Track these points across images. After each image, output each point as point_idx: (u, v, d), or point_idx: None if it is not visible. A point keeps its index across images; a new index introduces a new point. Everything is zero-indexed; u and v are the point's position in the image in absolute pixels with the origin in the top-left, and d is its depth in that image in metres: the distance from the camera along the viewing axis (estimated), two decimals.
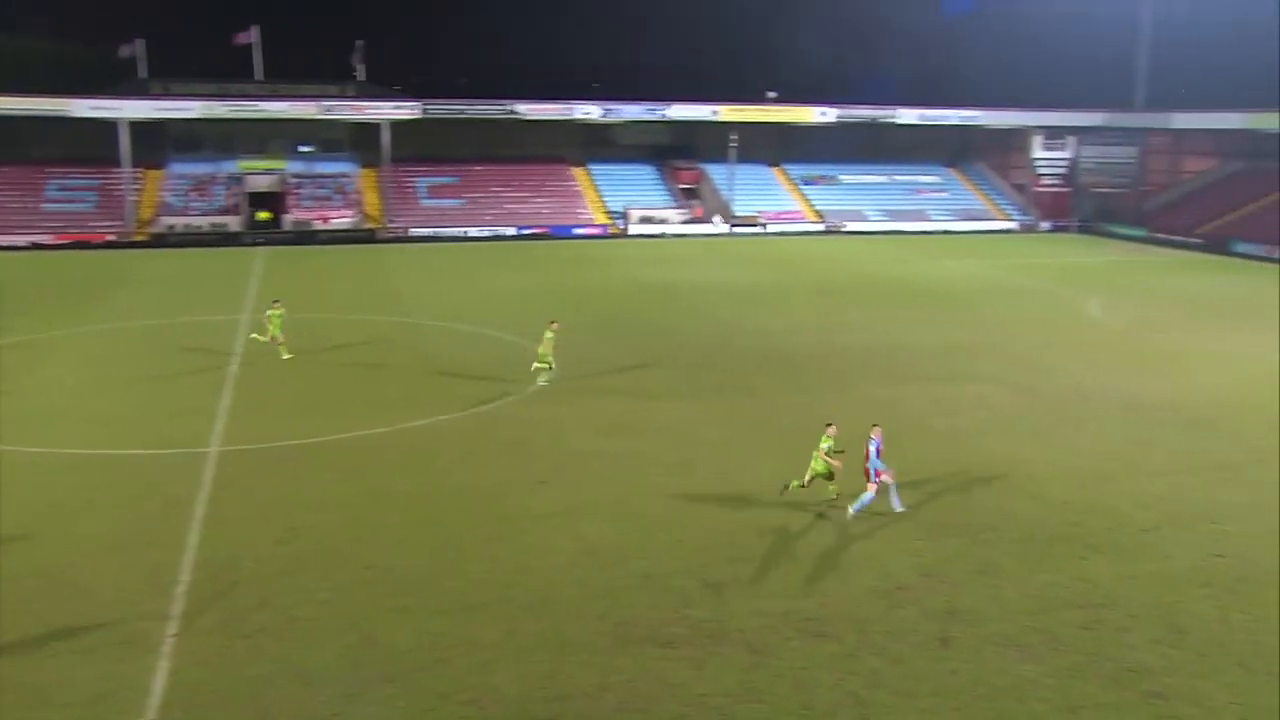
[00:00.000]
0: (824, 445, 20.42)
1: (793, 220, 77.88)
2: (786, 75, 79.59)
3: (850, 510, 20.27)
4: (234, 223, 71.38)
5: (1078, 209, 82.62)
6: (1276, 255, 66.19)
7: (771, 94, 77.21)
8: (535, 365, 30.62)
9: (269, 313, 33.99)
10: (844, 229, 77.48)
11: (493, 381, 31.05)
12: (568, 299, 46.67)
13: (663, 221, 75.73)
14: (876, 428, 20.38)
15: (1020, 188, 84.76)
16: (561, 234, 73.34)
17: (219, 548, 18.87)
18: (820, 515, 20.65)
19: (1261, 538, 19.99)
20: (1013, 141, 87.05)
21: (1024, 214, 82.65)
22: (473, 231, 72.45)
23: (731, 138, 76.33)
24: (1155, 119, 79.81)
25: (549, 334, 30.40)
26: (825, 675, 14.86)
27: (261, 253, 63.99)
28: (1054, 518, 20.86)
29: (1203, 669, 15.13)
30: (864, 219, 79.22)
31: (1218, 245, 70.67)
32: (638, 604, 16.91)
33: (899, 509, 20.45)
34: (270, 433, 25.66)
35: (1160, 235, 75.49)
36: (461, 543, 19.29)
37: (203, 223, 70.68)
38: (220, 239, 68.87)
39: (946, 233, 78.27)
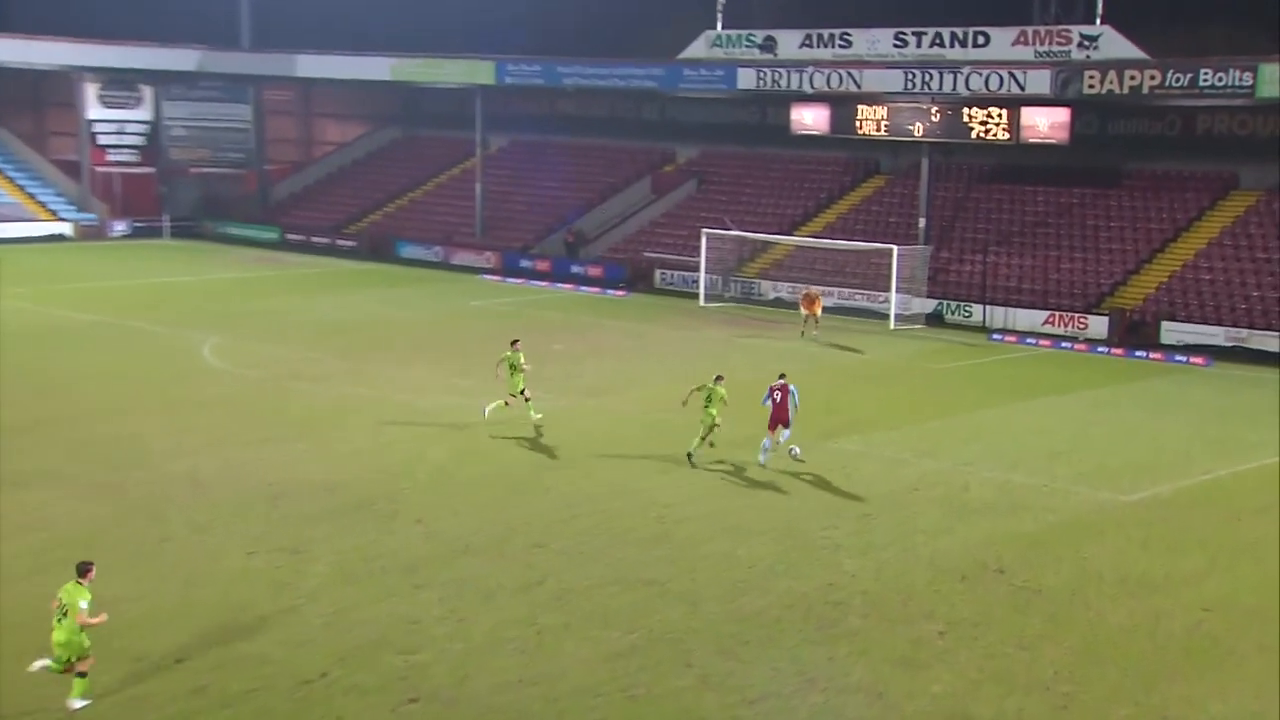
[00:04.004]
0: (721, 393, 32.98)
1: None
2: None
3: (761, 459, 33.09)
4: None
5: (171, 201, 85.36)
6: (449, 259, 73.73)
7: None
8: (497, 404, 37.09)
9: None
10: None
11: None
12: None
13: None
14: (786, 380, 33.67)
15: (72, 168, 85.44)
16: None
17: None
18: None
19: (460, 658, 21.61)
20: (52, 94, 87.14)
21: (82, 210, 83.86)
22: None
23: None
24: (273, 62, 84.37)
25: (515, 354, 37.03)
26: None
27: None
28: (144, 693, 20.23)
29: None
30: None
31: (380, 248, 76.78)
32: None
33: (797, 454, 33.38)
34: None
35: (299, 237, 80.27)
36: None
37: None
38: None
39: None
